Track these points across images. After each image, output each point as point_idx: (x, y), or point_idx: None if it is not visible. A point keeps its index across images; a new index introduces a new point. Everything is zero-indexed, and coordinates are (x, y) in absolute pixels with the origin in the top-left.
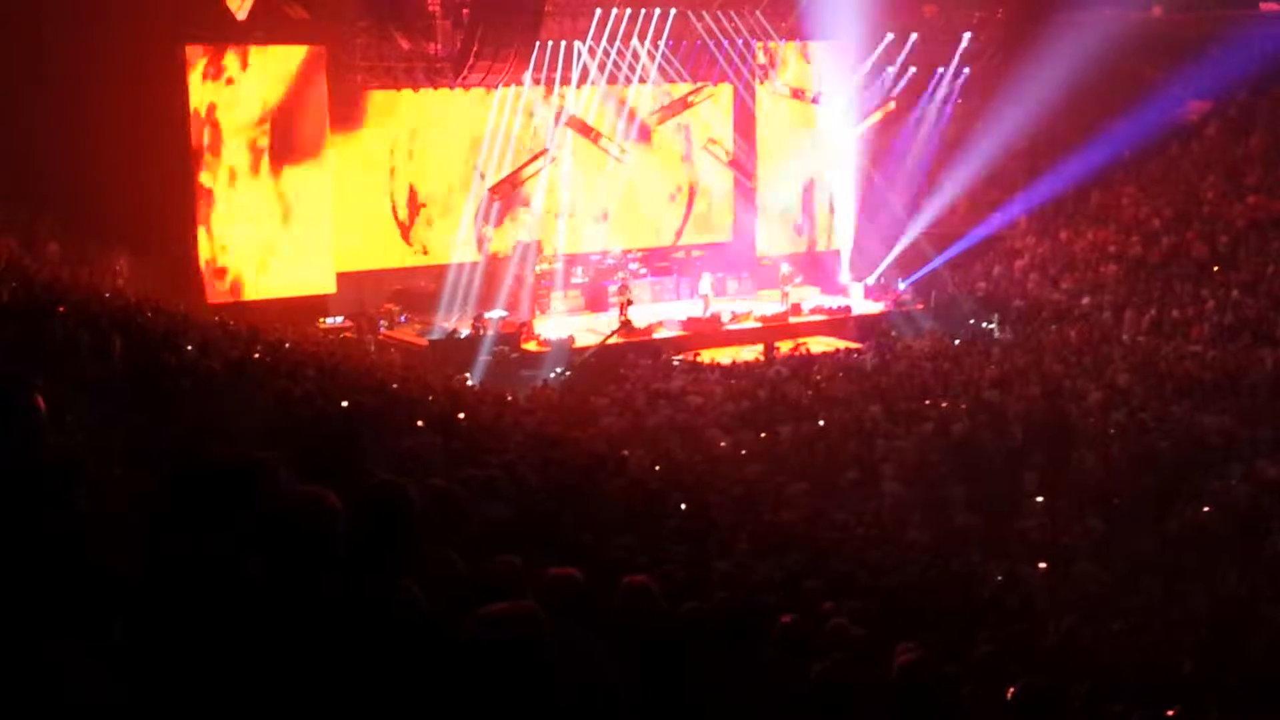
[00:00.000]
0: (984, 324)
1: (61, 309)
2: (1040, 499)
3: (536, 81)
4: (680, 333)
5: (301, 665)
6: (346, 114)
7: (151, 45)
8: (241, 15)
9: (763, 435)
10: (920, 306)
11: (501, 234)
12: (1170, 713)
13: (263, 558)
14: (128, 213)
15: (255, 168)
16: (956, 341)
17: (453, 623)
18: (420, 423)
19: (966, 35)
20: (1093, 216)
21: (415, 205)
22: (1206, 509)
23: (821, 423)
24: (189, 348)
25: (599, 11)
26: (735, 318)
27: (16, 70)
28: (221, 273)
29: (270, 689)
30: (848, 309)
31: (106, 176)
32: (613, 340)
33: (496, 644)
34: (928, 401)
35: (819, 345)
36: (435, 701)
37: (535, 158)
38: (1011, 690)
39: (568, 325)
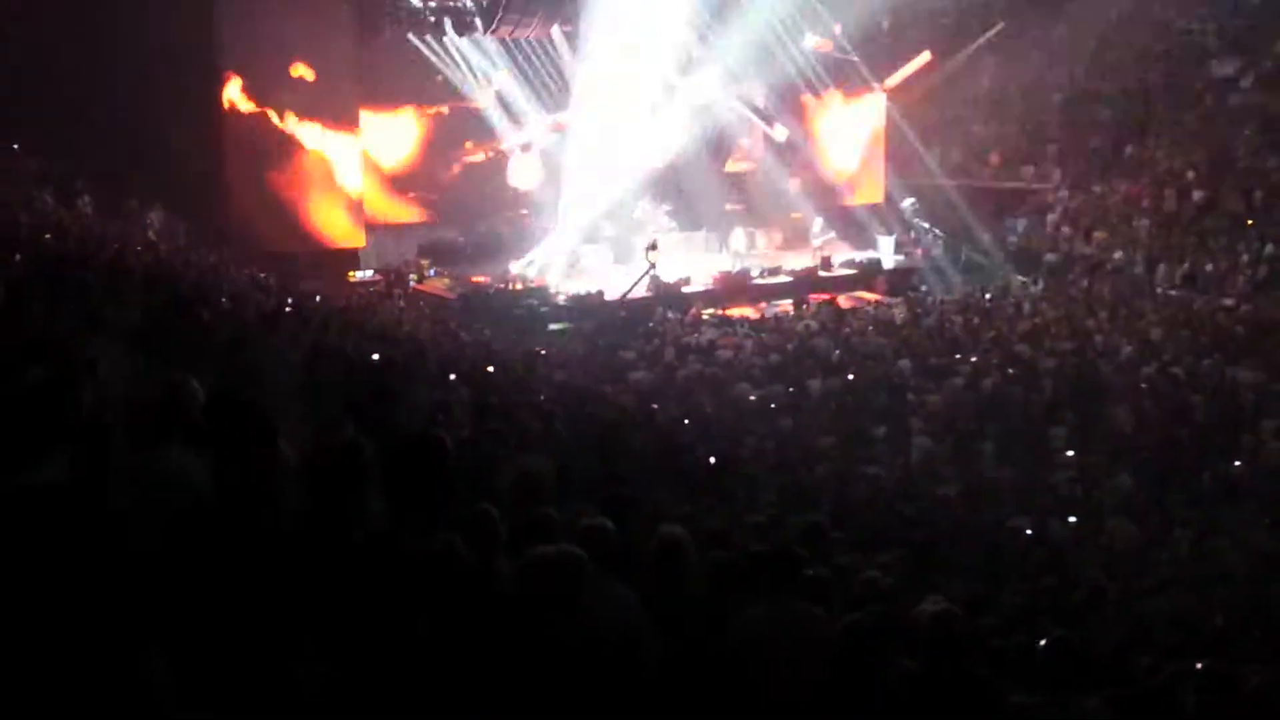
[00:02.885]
0: (1017, 279)
1: (95, 262)
2: (1071, 453)
3: (566, 35)
4: (710, 287)
5: (344, 611)
6: (376, 65)
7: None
8: None
9: (792, 390)
10: (951, 260)
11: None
12: (1199, 666)
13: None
14: (160, 167)
15: (286, 119)
16: (987, 296)
17: (491, 572)
18: (451, 376)
19: None
20: (1126, 170)
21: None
22: (1238, 464)
23: (851, 377)
24: (221, 300)
25: None
26: (765, 272)
27: (51, 27)
28: (252, 225)
29: (313, 635)
30: (878, 263)
31: (139, 130)
32: (641, 285)
33: (540, 585)
34: (958, 356)
35: (849, 299)
36: (477, 645)
37: (563, 111)
38: (1041, 643)
39: (597, 279)
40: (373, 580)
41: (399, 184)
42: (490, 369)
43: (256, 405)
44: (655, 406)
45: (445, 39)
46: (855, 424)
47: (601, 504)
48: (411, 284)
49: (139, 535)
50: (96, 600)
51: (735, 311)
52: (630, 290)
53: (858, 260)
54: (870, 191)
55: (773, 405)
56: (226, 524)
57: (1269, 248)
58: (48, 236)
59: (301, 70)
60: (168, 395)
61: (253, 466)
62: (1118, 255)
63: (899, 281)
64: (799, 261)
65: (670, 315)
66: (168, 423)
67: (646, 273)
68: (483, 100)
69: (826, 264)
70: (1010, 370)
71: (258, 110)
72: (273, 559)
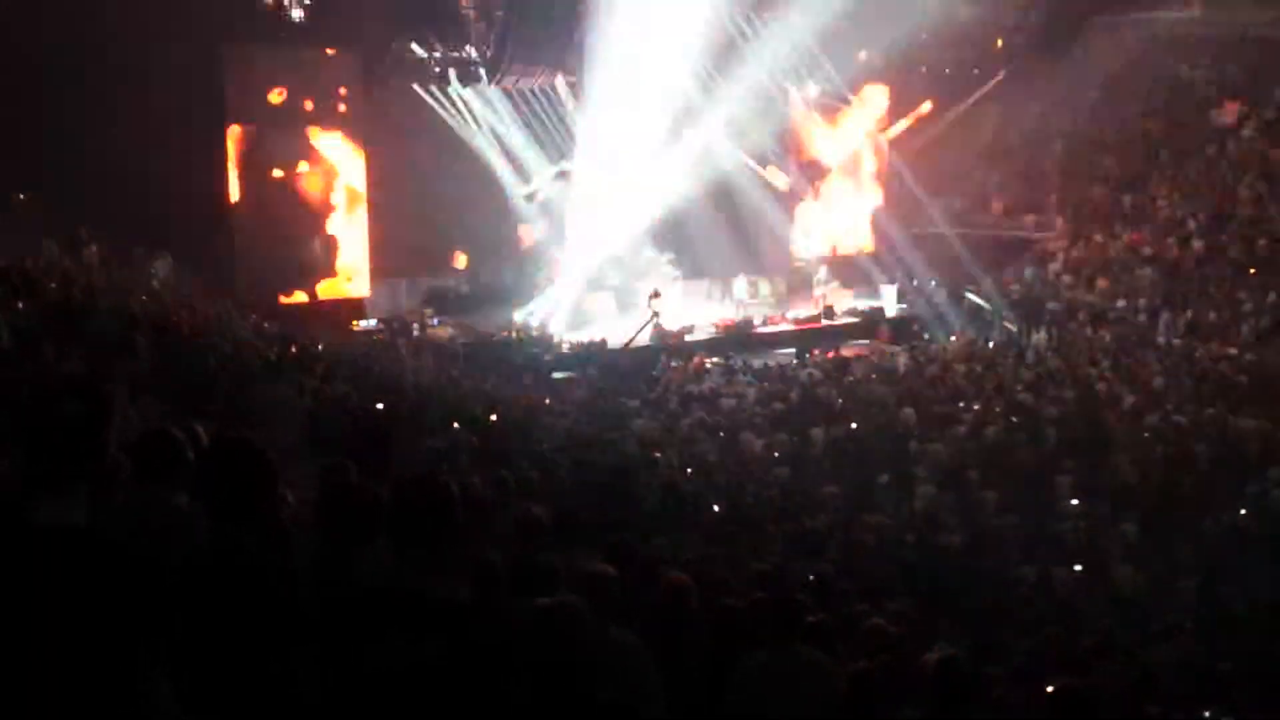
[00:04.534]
0: (1008, 325)
1: (101, 310)
2: (1075, 502)
3: (570, 85)
4: (713, 335)
5: (342, 656)
6: (381, 116)
7: (191, 48)
8: None
9: (795, 438)
10: (954, 309)
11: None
12: (1207, 714)
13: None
14: (166, 216)
15: (291, 170)
16: (990, 344)
17: (494, 618)
18: (455, 424)
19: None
20: (1128, 219)
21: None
22: (1243, 511)
23: (854, 425)
24: (225, 349)
25: None
26: (768, 321)
27: (57, 74)
28: (258, 275)
29: (311, 679)
30: (881, 311)
31: (146, 180)
32: (644, 333)
33: (541, 636)
34: (961, 404)
35: (852, 348)
36: (476, 693)
37: (566, 160)
38: (1048, 690)
39: (600, 328)
40: (376, 625)
41: (406, 231)
42: (493, 417)
43: (255, 446)
44: (658, 455)
45: (450, 89)
46: (859, 473)
47: (606, 551)
48: (415, 333)
49: (147, 576)
50: (105, 636)
51: (738, 359)
52: (633, 339)
53: (861, 308)
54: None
55: (776, 454)
56: (227, 568)
57: (1271, 296)
58: (53, 285)
59: (307, 122)
60: (168, 440)
61: (252, 510)
62: (1120, 304)
63: (902, 330)
64: (802, 309)
65: (673, 363)
66: (170, 467)
67: (649, 321)
68: (487, 150)
69: (829, 313)
70: (1013, 419)
71: (263, 161)
72: (276, 602)
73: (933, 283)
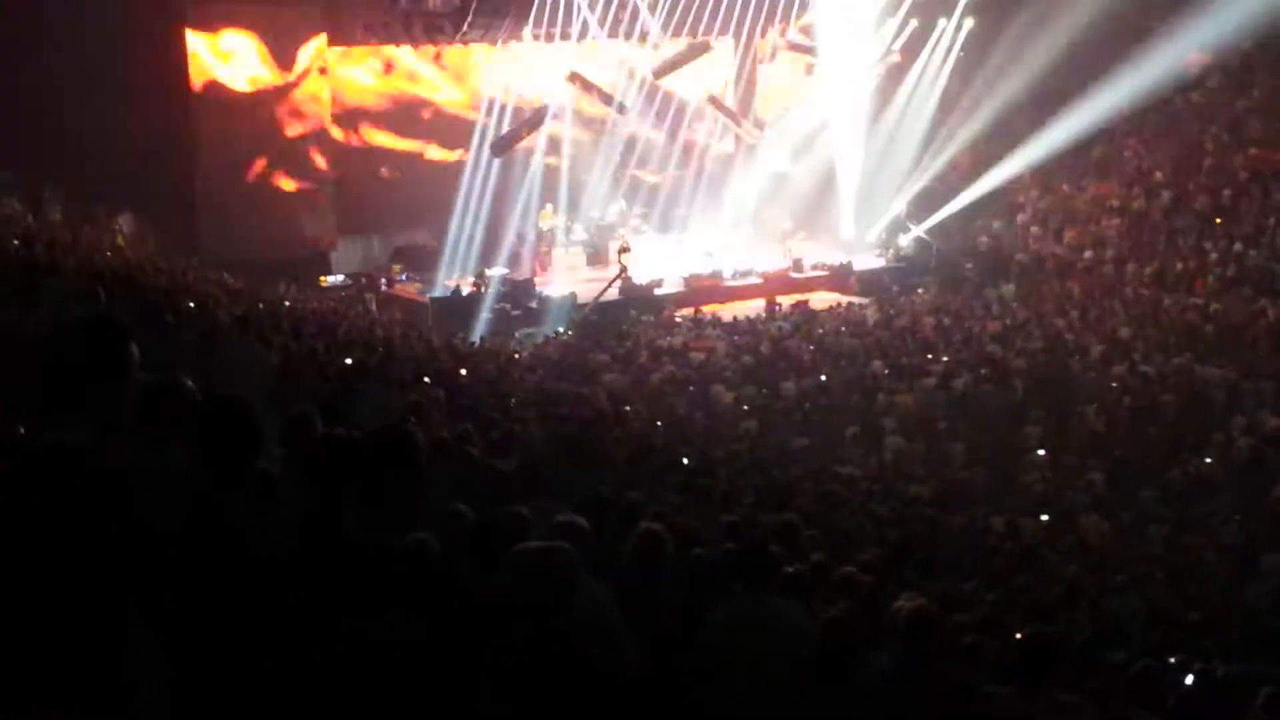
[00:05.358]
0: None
1: (64, 267)
2: (1042, 452)
3: (536, 37)
4: (682, 289)
5: (320, 618)
6: (345, 69)
7: (152, 4)
8: None
9: (765, 391)
10: (922, 261)
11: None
12: (1172, 660)
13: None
14: (129, 172)
15: (255, 123)
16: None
17: (465, 570)
18: (425, 379)
19: None
20: (1095, 170)
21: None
22: (1209, 460)
23: (824, 378)
24: (190, 304)
25: None
26: (737, 274)
27: (17, 32)
28: (223, 232)
29: (289, 646)
30: (849, 264)
31: (107, 135)
32: (613, 289)
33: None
34: (929, 356)
35: (821, 300)
36: (458, 648)
37: (535, 114)
38: (1016, 638)
39: (570, 282)
40: (348, 580)
41: (369, 185)
42: (462, 372)
43: (244, 403)
44: (627, 409)
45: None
46: (828, 425)
47: (578, 503)
48: (383, 288)
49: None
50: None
51: (708, 313)
52: (603, 293)
53: (829, 261)
54: None
55: (745, 407)
56: (215, 522)
57: (1237, 246)
58: (15, 242)
59: (273, 79)
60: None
61: (238, 466)
62: (1087, 254)
63: (871, 282)
64: (771, 263)
65: (643, 318)
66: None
67: (619, 275)
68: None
69: (798, 265)
70: (982, 370)
71: (228, 118)
72: (258, 557)
73: (902, 237)
